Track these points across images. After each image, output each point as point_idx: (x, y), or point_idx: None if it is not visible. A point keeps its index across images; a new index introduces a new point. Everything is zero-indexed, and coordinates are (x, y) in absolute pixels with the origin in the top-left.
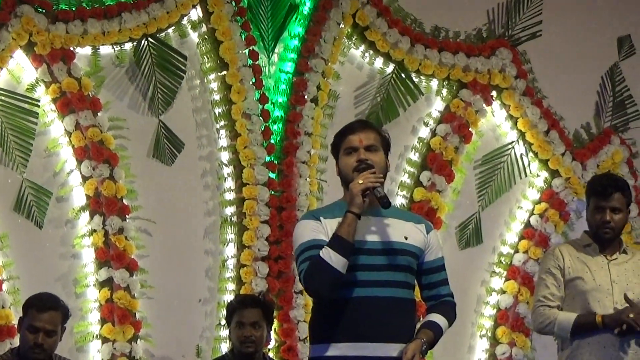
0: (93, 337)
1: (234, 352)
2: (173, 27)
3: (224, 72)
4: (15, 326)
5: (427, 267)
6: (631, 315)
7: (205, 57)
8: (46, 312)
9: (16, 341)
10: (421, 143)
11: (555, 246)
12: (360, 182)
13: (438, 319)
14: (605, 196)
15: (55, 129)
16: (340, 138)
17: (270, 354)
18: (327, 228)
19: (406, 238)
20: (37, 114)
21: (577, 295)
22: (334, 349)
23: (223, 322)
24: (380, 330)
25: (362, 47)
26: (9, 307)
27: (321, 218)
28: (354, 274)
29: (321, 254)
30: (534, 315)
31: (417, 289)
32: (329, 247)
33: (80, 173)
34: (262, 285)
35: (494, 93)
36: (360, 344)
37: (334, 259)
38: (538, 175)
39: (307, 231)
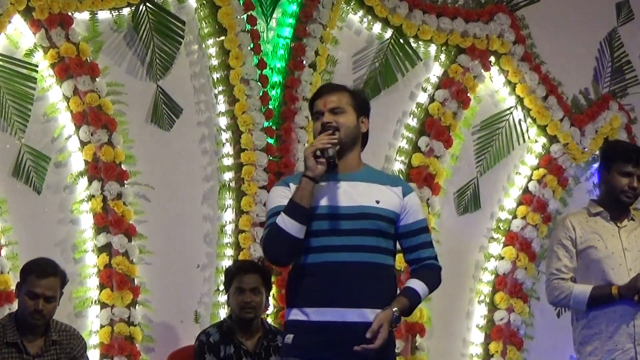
0: (92, 302)
1: (233, 317)
2: None
3: (222, 38)
4: (14, 291)
5: (405, 230)
6: None
7: (203, 22)
8: (46, 278)
9: (15, 306)
10: (419, 108)
11: (564, 216)
12: (312, 144)
13: (416, 284)
14: (637, 162)
15: (53, 94)
16: (310, 103)
17: (269, 320)
18: None
19: (378, 202)
20: (36, 79)
21: (590, 264)
22: (303, 314)
23: (221, 287)
24: (347, 295)
25: (361, 12)
26: (8, 272)
27: (290, 184)
28: (321, 239)
29: (277, 221)
30: (548, 288)
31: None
32: (284, 213)
33: (79, 138)
34: (260, 251)
35: (492, 58)
36: (326, 309)
37: (288, 225)
38: (536, 141)
39: (274, 198)
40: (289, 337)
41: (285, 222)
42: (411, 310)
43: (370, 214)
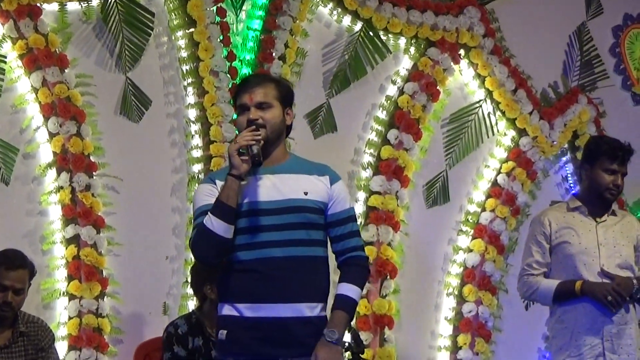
0: (60, 294)
1: (202, 309)
2: None
3: (192, 29)
4: None
5: (332, 219)
6: (609, 298)
7: (172, 14)
8: (15, 271)
9: None
10: (389, 101)
11: (542, 212)
12: (236, 141)
13: (349, 289)
14: (620, 161)
15: (22, 85)
16: (235, 94)
17: None
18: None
19: (306, 194)
20: (4, 70)
21: (564, 259)
22: (235, 310)
23: (189, 279)
24: (279, 290)
25: (330, 5)
26: None
27: (217, 181)
28: (249, 236)
29: (204, 221)
30: (519, 283)
31: None
32: (210, 213)
33: (47, 130)
34: None
35: (461, 52)
36: (259, 304)
37: (215, 225)
38: (505, 134)
39: (201, 196)
40: (223, 333)
41: (212, 222)
42: (352, 318)
43: (298, 207)
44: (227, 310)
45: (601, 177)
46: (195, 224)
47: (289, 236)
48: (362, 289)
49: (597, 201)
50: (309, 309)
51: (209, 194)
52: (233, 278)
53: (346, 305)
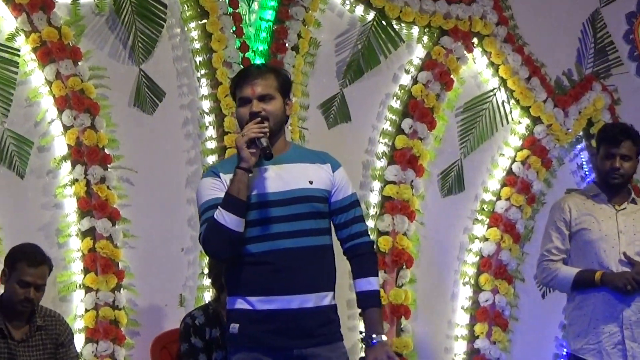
0: (76, 286)
1: (219, 300)
2: None
3: (205, 21)
4: None
5: (336, 206)
6: (629, 288)
7: (185, 5)
8: (37, 267)
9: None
10: (402, 90)
11: (563, 198)
12: (244, 134)
13: (368, 284)
14: (616, 143)
15: (35, 78)
16: (234, 85)
17: None
18: (226, 183)
19: (311, 182)
20: (18, 63)
21: (584, 245)
22: (247, 303)
23: (206, 271)
24: (288, 282)
25: None
26: None
27: (221, 174)
28: (258, 228)
29: (215, 216)
30: (538, 269)
31: None
32: (221, 208)
33: (62, 122)
34: None
35: (475, 40)
36: (271, 297)
37: (227, 219)
38: (520, 122)
39: (206, 190)
40: (235, 327)
41: (224, 216)
42: (381, 308)
43: (305, 197)
44: (238, 304)
45: (603, 163)
46: (204, 219)
47: (298, 227)
48: (377, 275)
49: (609, 188)
50: (319, 299)
51: (213, 187)
52: (244, 271)
53: (374, 299)
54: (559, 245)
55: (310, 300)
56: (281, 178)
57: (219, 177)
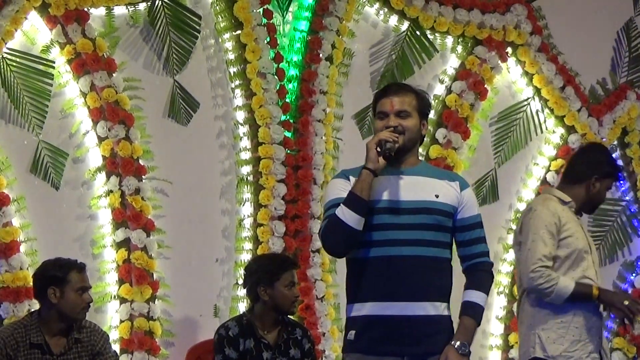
0: (111, 297)
1: (253, 311)
2: None
3: (239, 32)
4: (37, 290)
5: (460, 224)
6: (626, 302)
7: (219, 16)
8: (85, 272)
9: (34, 304)
10: (437, 100)
11: (546, 204)
12: (375, 136)
13: (476, 296)
14: (617, 181)
15: (70, 90)
16: (375, 100)
17: None
18: None
19: (437, 196)
20: (52, 75)
21: (571, 253)
22: (362, 308)
23: (240, 281)
24: (405, 288)
25: (377, 5)
26: (27, 269)
27: (350, 177)
28: (381, 233)
29: (336, 212)
30: (533, 273)
31: None
32: (343, 205)
33: (96, 134)
34: (279, 244)
35: (509, 49)
36: (385, 303)
37: (347, 216)
38: (554, 132)
39: (334, 190)
40: (352, 334)
41: (344, 213)
42: (479, 324)
43: (430, 209)
44: (356, 310)
45: (603, 192)
46: (325, 215)
47: (420, 236)
48: (487, 295)
49: (585, 207)
50: (434, 308)
51: (342, 188)
52: (363, 275)
53: (474, 311)
54: (551, 250)
55: (424, 308)
56: (408, 188)
57: (349, 180)
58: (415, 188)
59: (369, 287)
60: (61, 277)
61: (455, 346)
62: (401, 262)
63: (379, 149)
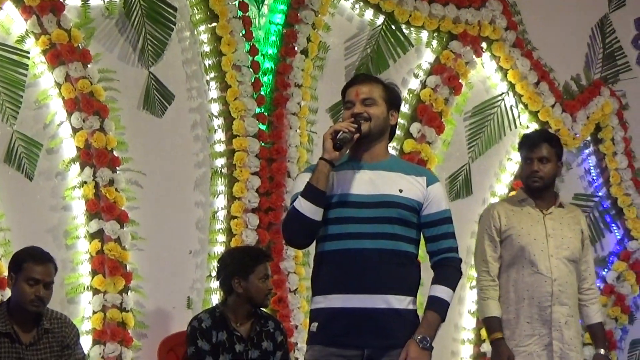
0: (84, 288)
1: (226, 303)
2: None
3: (214, 24)
4: (6, 278)
5: (427, 220)
6: None
7: (195, 8)
8: (43, 265)
9: (7, 293)
10: (411, 95)
11: (491, 206)
12: (332, 127)
13: (440, 291)
14: (533, 147)
15: (45, 80)
16: (343, 91)
17: None
18: None
19: (401, 191)
20: (27, 65)
21: (514, 251)
22: (324, 301)
23: (213, 273)
24: (367, 281)
25: None
26: (0, 259)
27: None
28: (342, 226)
29: (294, 204)
30: (478, 277)
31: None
32: (300, 196)
33: (71, 125)
34: (253, 236)
35: (484, 45)
36: (347, 295)
37: (304, 207)
38: (528, 127)
39: (298, 184)
40: (314, 326)
41: (302, 204)
42: (443, 319)
43: (392, 202)
44: (318, 302)
45: (521, 168)
46: (288, 209)
47: (380, 229)
48: (454, 291)
49: (532, 193)
50: (397, 301)
51: (306, 182)
52: (325, 270)
53: (438, 306)
54: (492, 253)
55: (387, 301)
56: (373, 182)
57: None
58: (377, 182)
59: (331, 280)
60: (17, 266)
61: (417, 340)
62: (362, 255)
63: (333, 140)
